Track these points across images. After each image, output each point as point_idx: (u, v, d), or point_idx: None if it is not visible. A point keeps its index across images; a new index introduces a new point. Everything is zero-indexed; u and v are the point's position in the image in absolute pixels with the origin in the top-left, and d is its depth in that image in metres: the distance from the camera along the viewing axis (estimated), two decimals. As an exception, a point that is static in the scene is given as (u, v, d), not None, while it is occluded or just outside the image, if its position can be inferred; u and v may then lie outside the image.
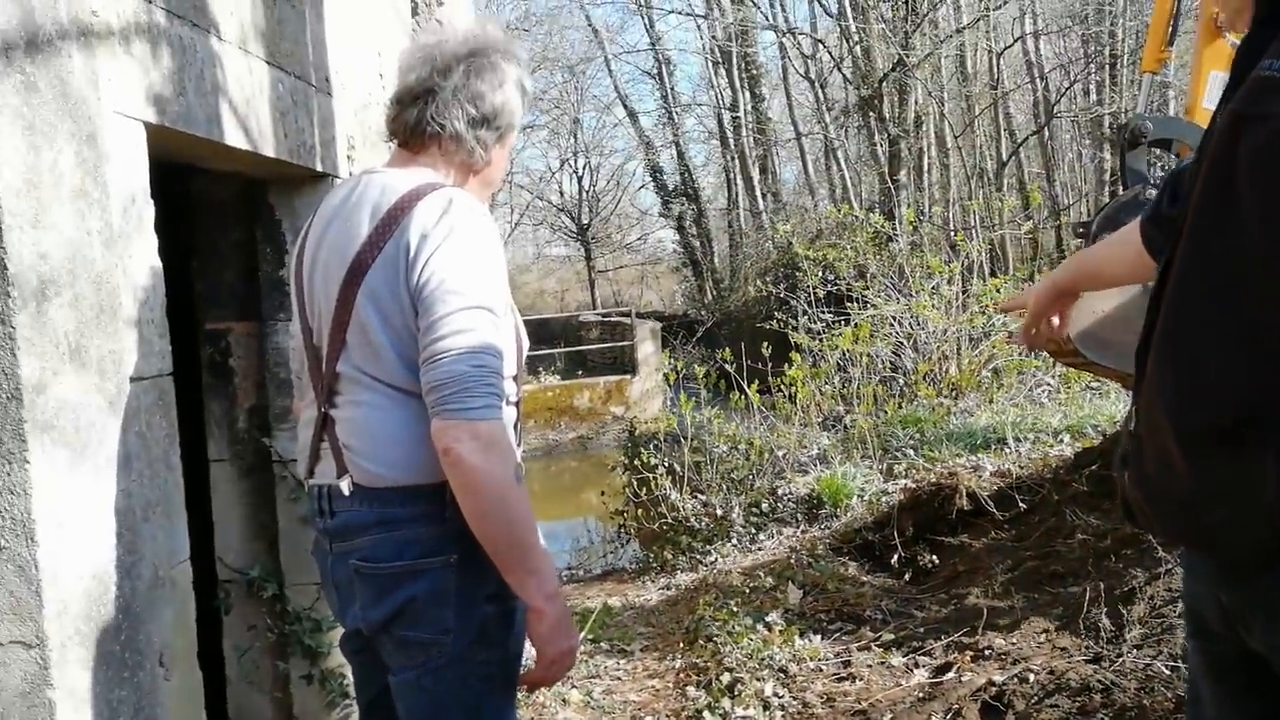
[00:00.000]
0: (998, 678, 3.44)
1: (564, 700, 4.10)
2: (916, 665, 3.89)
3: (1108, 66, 19.57)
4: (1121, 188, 5.22)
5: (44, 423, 1.80)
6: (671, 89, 28.07)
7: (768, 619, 4.48)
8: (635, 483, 7.64)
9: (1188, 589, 1.49)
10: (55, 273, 1.85)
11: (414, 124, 1.97)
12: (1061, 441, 6.81)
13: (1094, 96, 20.48)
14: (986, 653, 3.73)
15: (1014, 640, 3.74)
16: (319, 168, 3.12)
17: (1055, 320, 2.01)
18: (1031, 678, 3.35)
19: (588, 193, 33.68)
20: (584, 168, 33.75)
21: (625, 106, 30.03)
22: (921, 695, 3.55)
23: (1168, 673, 3.09)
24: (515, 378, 1.94)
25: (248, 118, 2.62)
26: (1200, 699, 1.49)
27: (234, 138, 2.54)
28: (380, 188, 1.91)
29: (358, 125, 3.53)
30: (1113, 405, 7.75)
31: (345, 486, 1.87)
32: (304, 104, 3.01)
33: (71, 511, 1.88)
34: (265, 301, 3.21)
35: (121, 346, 2.06)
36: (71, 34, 1.89)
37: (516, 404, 1.96)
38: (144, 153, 2.18)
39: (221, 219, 3.21)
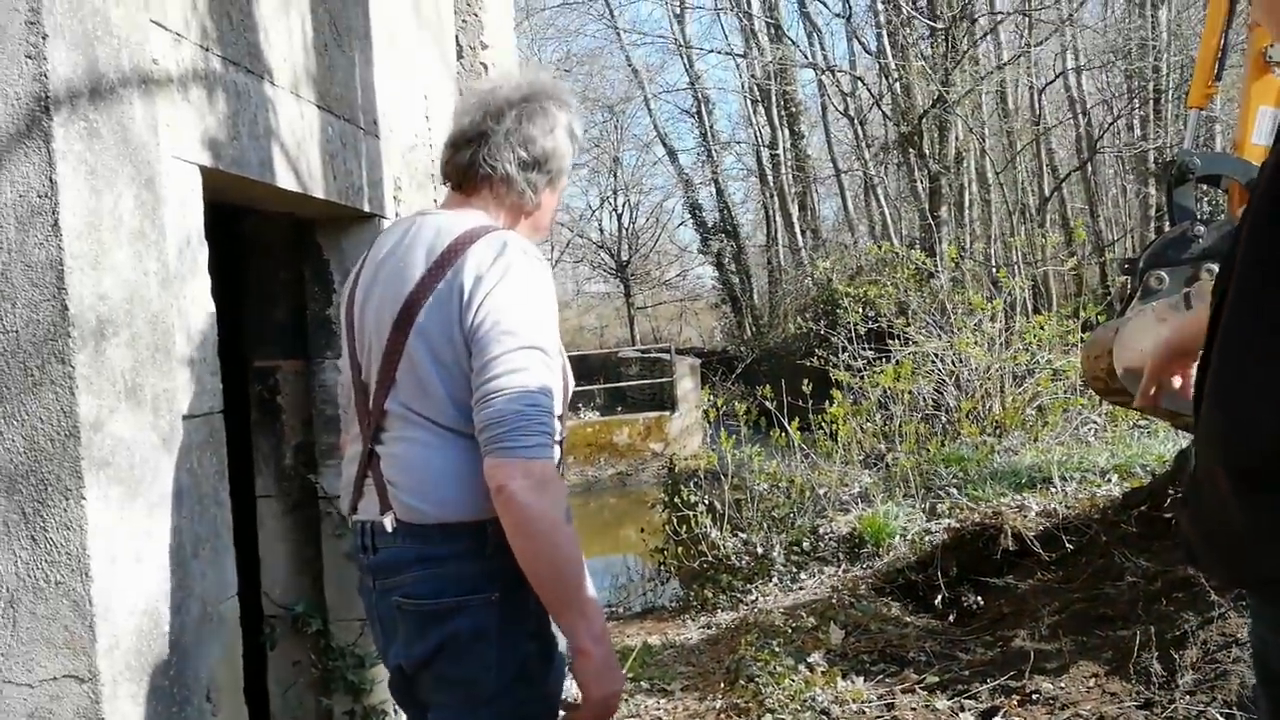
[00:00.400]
0: (1045, 722, 3.39)
1: None
2: (962, 709, 3.83)
3: (1152, 101, 19.44)
4: (1168, 224, 5.18)
5: (100, 460, 1.84)
6: (710, 127, 28.18)
7: (810, 659, 4.44)
8: (675, 520, 7.61)
9: (1253, 631, 1.47)
10: (113, 313, 1.89)
11: (467, 166, 2.01)
12: (1109, 481, 6.72)
13: (1138, 131, 20.34)
14: (1034, 697, 3.67)
15: (1062, 684, 3.68)
16: (366, 208, 3.16)
17: (1177, 381, 1.93)
18: (1080, 723, 3.30)
19: (627, 230, 33.89)
20: (623, 205, 33.99)
21: (665, 144, 30.24)
22: (967, 739, 3.50)
23: (1221, 719, 3.03)
24: (560, 417, 1.94)
25: (298, 160, 2.67)
26: None
27: (285, 180, 2.59)
28: (435, 229, 1.94)
29: (404, 166, 3.58)
30: (1161, 444, 7.65)
31: (388, 523, 1.88)
32: (353, 146, 3.06)
33: (124, 547, 1.90)
34: (313, 339, 3.25)
35: (175, 384, 2.09)
36: (133, 81, 1.94)
37: (560, 442, 1.95)
38: (199, 195, 2.22)
39: (271, 259, 3.26)
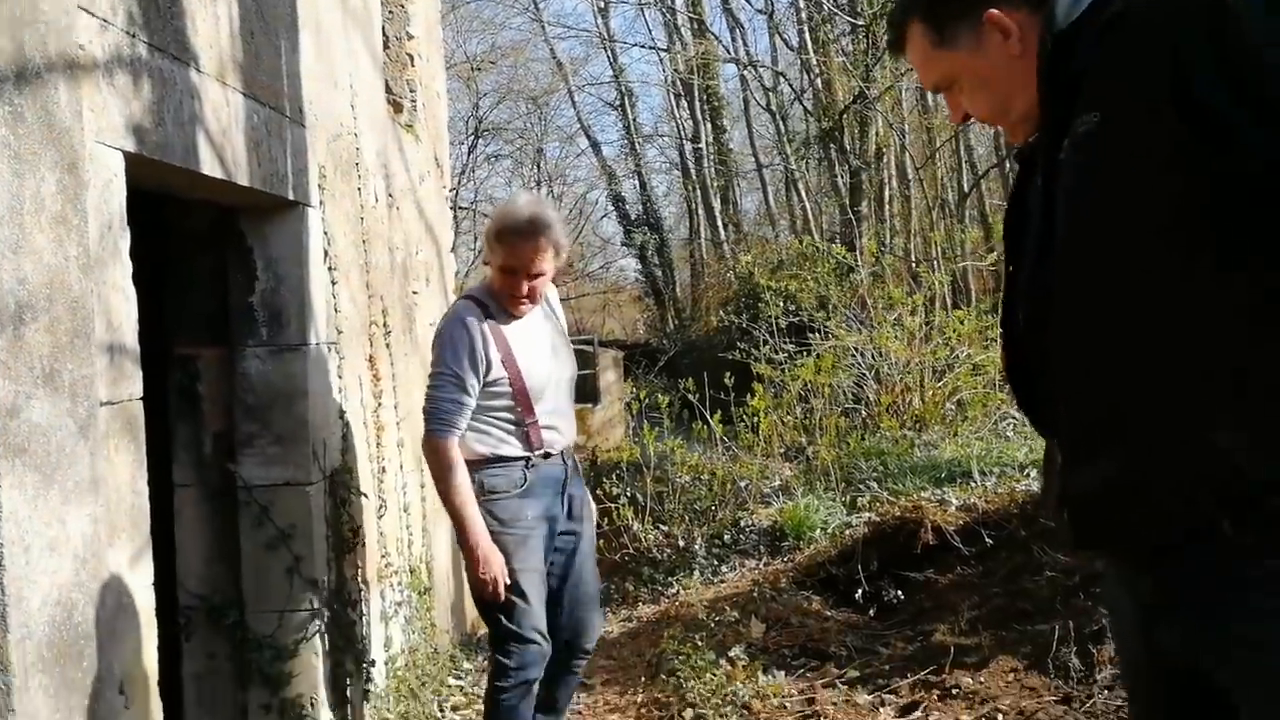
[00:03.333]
0: (966, 718, 3.45)
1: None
2: (882, 704, 3.88)
3: (1066, 104, 19.85)
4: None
5: (16, 446, 1.79)
6: (634, 120, 28.17)
7: (731, 653, 4.46)
8: (597, 512, 7.59)
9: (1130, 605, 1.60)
10: (33, 297, 1.83)
11: None
12: (1028, 476, 6.80)
13: (1052, 133, 20.76)
14: (954, 692, 3.73)
15: (982, 679, 3.75)
16: (291, 196, 3.11)
17: None
18: (1000, 718, 3.36)
19: (550, 220, 33.68)
20: (547, 196, 33.75)
21: (588, 137, 30.12)
22: (888, 733, 3.55)
23: (1134, 712, 3.10)
24: (512, 409, 3.28)
25: (223, 147, 2.61)
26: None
27: (210, 167, 2.54)
28: None
29: (330, 155, 3.53)
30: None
31: None
32: (278, 134, 3.00)
33: (38, 535, 1.86)
34: (235, 328, 3.19)
35: (93, 371, 2.04)
36: (58, 66, 1.89)
37: (532, 425, 3.31)
38: (122, 181, 2.18)
39: (194, 246, 3.19)
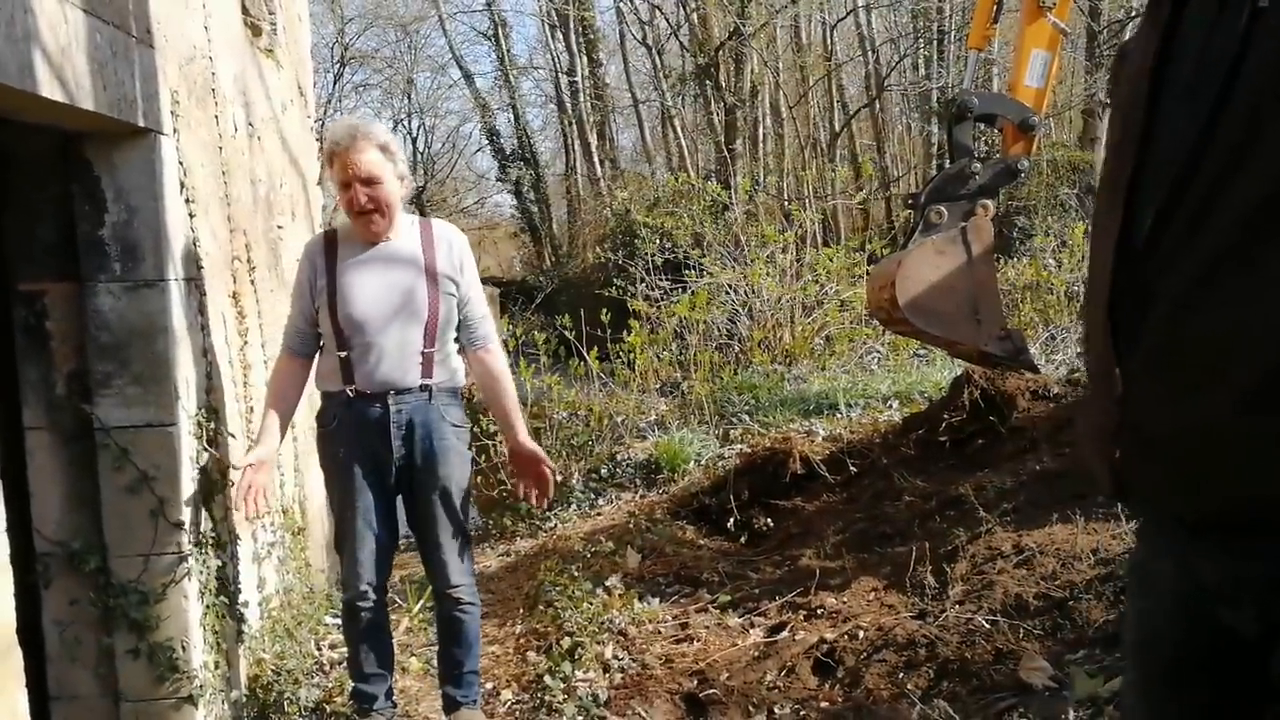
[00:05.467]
0: (829, 635, 3.57)
1: (403, 669, 4.06)
2: (752, 625, 3.99)
3: (935, 42, 20.22)
4: (949, 161, 5.43)
5: None
6: (508, 51, 27.61)
7: (607, 583, 4.53)
8: (474, 449, 7.57)
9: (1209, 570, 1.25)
10: None
11: None
12: (890, 407, 7.07)
13: (923, 71, 21.13)
14: (819, 612, 3.86)
15: (844, 599, 3.89)
16: (141, 123, 2.96)
17: None
18: (861, 634, 3.49)
19: (423, 155, 33.04)
20: (419, 129, 33.08)
21: (460, 67, 29.42)
22: (757, 654, 3.65)
23: (987, 626, 3.26)
24: (337, 333, 3.24)
25: (63, 68, 2.47)
26: None
27: (49, 89, 2.40)
28: None
29: (183, 79, 3.38)
30: (939, 372, 8.08)
31: None
32: (124, 56, 2.85)
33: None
34: (85, 261, 3.04)
35: (-73, 309, 1.93)
36: None
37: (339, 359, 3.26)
38: (-50, 102, 2.03)
39: (36, 174, 3.02)
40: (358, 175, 3.17)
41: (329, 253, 3.30)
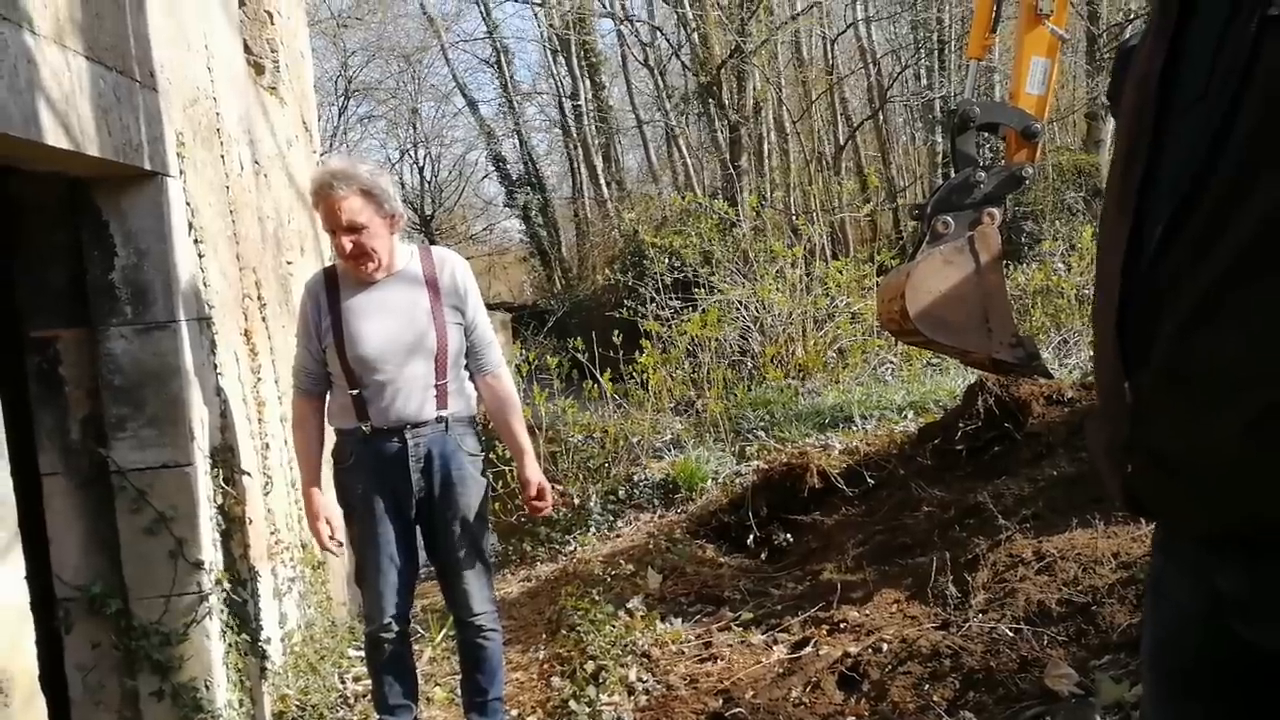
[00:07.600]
0: (853, 649, 3.55)
1: (428, 699, 4.06)
2: (775, 642, 3.98)
3: (936, 52, 20.22)
4: (953, 170, 5.43)
5: None
6: (511, 77, 27.75)
7: (629, 605, 4.52)
8: (491, 476, 7.58)
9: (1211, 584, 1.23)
10: None
11: None
12: (905, 417, 7.05)
13: (924, 81, 21.13)
14: (841, 625, 3.84)
15: (867, 612, 3.87)
16: (148, 166, 2.99)
17: None
18: (885, 647, 3.47)
19: (430, 183, 33.17)
20: (425, 158, 33.22)
21: (464, 95, 29.59)
22: (781, 671, 3.63)
23: (1011, 634, 3.23)
24: (347, 372, 3.25)
25: (68, 115, 2.50)
26: None
27: (54, 137, 2.42)
28: None
29: (188, 121, 3.41)
30: (952, 380, 8.06)
31: None
32: (129, 100, 2.88)
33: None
34: (96, 306, 3.06)
35: (-60, 360, 1.94)
36: None
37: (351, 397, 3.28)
38: (-44, 154, 2.05)
39: (44, 221, 3.04)
40: (341, 225, 3.14)
41: (330, 290, 3.29)
